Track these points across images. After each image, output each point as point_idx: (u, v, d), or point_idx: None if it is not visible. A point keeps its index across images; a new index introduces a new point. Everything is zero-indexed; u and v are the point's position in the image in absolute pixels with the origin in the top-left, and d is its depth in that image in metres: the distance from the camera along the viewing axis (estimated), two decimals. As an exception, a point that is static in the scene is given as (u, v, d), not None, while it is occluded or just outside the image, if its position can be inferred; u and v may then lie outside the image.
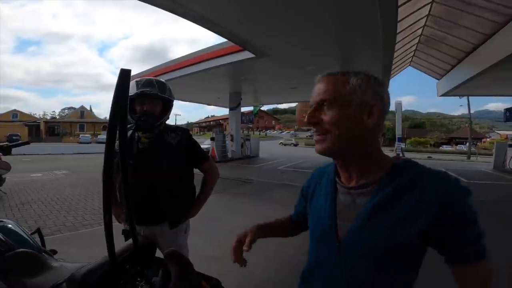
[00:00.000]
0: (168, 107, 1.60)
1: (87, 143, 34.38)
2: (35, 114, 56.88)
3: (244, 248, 0.80)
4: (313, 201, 0.80)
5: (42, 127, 43.51)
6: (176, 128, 1.65)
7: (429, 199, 0.59)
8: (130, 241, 0.58)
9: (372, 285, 0.64)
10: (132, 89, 1.50)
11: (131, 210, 0.59)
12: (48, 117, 61.57)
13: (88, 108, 54.77)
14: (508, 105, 12.92)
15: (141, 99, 1.50)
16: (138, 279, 0.61)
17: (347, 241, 0.67)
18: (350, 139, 0.65)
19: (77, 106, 55.83)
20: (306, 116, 0.68)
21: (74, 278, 0.49)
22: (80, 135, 38.88)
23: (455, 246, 0.60)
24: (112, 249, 0.50)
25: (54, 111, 76.54)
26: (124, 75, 0.46)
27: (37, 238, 1.39)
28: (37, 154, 15.86)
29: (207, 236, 3.47)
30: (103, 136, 38.80)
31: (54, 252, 1.28)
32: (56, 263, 0.76)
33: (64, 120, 49.35)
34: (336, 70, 0.70)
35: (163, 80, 1.63)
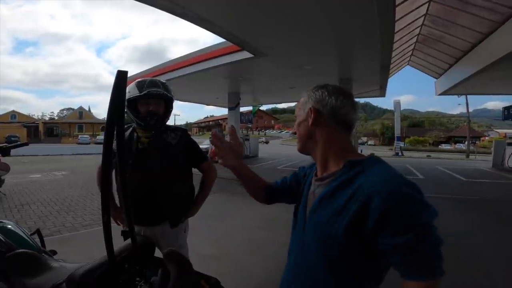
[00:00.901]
0: (169, 107, 1.62)
1: (86, 143, 34.31)
2: (34, 115, 56.77)
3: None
4: (298, 191, 0.91)
5: (40, 128, 43.39)
6: (175, 128, 1.66)
7: (360, 193, 0.62)
8: (129, 240, 0.59)
9: (318, 261, 0.71)
10: (134, 90, 1.51)
11: (130, 209, 0.59)
12: (47, 118, 61.38)
13: (87, 109, 54.64)
14: (506, 104, 12.98)
15: (145, 99, 1.50)
16: (137, 278, 0.61)
17: (307, 222, 0.77)
18: (304, 139, 0.81)
19: (75, 107, 55.80)
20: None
21: (73, 277, 0.50)
22: (79, 136, 38.80)
23: (390, 250, 0.59)
24: (111, 248, 0.51)
25: (52, 112, 76.51)
26: (121, 76, 0.47)
27: (36, 239, 1.39)
28: (36, 155, 15.84)
29: (205, 236, 3.47)
30: (102, 136, 38.72)
31: (53, 252, 1.28)
32: (55, 263, 0.76)
33: (62, 121, 49.23)
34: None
35: (164, 81, 1.65)
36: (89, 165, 12.02)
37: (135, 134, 1.57)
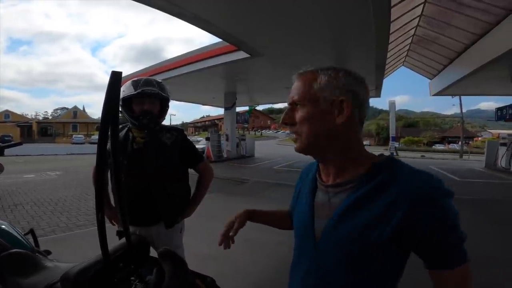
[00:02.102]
0: (165, 106, 1.60)
1: (81, 143, 33.98)
2: (27, 114, 56.03)
3: (231, 234, 0.83)
4: (298, 199, 0.81)
5: (34, 127, 42.90)
6: (171, 128, 1.65)
7: (402, 200, 0.57)
8: (124, 239, 0.59)
9: (345, 283, 0.64)
10: (129, 89, 1.50)
11: (124, 209, 0.60)
12: (41, 118, 60.67)
13: (81, 108, 54.14)
14: (499, 104, 13.12)
15: (140, 98, 1.49)
16: (132, 277, 0.61)
17: (322, 239, 0.67)
18: (320, 136, 0.65)
19: (70, 106, 55.30)
20: (282, 117, 0.71)
21: (68, 276, 0.50)
22: (73, 136, 38.42)
23: (433, 250, 0.58)
24: (105, 247, 0.51)
25: (46, 112, 75.47)
26: (115, 77, 0.47)
27: (30, 239, 1.38)
28: (30, 155, 15.66)
29: (203, 236, 3.46)
30: (96, 136, 38.37)
31: (48, 252, 1.27)
32: (50, 263, 0.76)
33: (56, 121, 48.74)
34: (308, 68, 0.72)
35: (160, 80, 1.64)
36: (83, 165, 11.92)
37: (131, 134, 1.56)
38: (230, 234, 0.83)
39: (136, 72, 13.00)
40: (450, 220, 0.57)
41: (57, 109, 73.79)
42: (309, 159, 0.76)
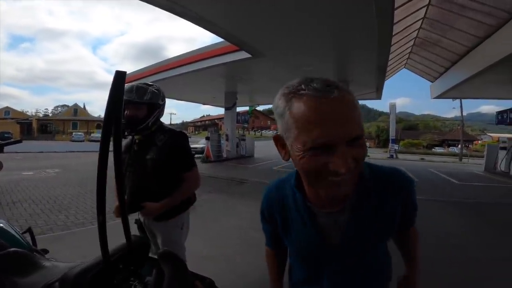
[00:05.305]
0: (153, 110, 1.62)
1: (80, 141, 34.01)
2: (28, 111, 55.84)
3: None
4: (288, 228, 0.77)
5: (34, 124, 42.90)
6: (168, 131, 1.68)
7: (397, 198, 0.72)
8: (123, 241, 0.58)
9: (371, 257, 0.77)
10: None
11: (125, 208, 0.59)
12: (41, 115, 60.62)
13: (82, 106, 54.11)
14: (500, 108, 13.10)
15: (124, 105, 1.55)
16: (131, 279, 0.61)
17: (339, 253, 0.72)
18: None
19: (70, 104, 55.28)
20: (341, 163, 0.51)
21: (67, 277, 0.49)
22: (73, 133, 38.44)
23: (407, 219, 0.80)
24: (106, 249, 0.50)
25: (47, 109, 75.46)
26: (119, 76, 0.47)
27: (28, 237, 1.37)
28: (29, 152, 15.63)
29: (202, 236, 3.46)
30: (96, 134, 38.43)
31: (45, 251, 1.26)
32: (47, 262, 0.75)
33: (56, 118, 48.76)
34: (335, 82, 0.56)
35: (145, 85, 1.63)
36: (82, 163, 11.91)
37: (133, 138, 1.67)
38: None
39: (138, 71, 13.02)
40: (415, 198, 0.80)
41: (57, 107, 73.80)
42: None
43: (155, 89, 1.64)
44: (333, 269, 0.75)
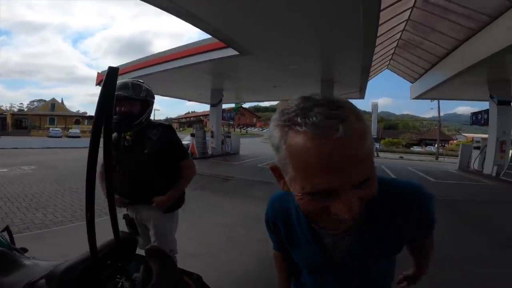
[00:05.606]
0: (146, 106, 1.69)
1: (58, 137, 32.59)
2: (1, 106, 52.82)
3: None
4: (291, 240, 0.76)
5: (8, 119, 40.73)
6: (158, 125, 1.75)
7: (411, 216, 0.65)
8: (111, 237, 0.58)
9: (375, 272, 0.75)
10: None
11: (114, 204, 0.59)
12: (16, 109, 57.49)
13: (60, 101, 51.79)
14: (475, 109, 13.76)
15: (118, 101, 1.58)
16: (118, 275, 0.61)
17: (342, 272, 0.72)
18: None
19: (48, 99, 52.75)
20: (344, 209, 0.46)
21: (54, 274, 0.49)
22: (50, 129, 36.84)
23: (422, 233, 0.75)
24: (94, 245, 0.50)
25: (22, 103, 71.19)
26: (112, 72, 0.46)
27: (6, 236, 1.32)
28: (3, 148, 14.87)
29: (187, 233, 3.43)
30: (75, 130, 37.02)
31: (24, 250, 1.22)
32: (28, 261, 0.73)
33: (32, 113, 46.46)
34: (340, 107, 0.45)
35: (139, 82, 1.70)
36: (60, 159, 11.47)
37: (122, 134, 1.70)
38: None
39: (122, 66, 12.63)
40: (433, 213, 0.71)
41: (33, 101, 69.97)
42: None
43: (147, 86, 1.71)
44: (336, 283, 0.76)
